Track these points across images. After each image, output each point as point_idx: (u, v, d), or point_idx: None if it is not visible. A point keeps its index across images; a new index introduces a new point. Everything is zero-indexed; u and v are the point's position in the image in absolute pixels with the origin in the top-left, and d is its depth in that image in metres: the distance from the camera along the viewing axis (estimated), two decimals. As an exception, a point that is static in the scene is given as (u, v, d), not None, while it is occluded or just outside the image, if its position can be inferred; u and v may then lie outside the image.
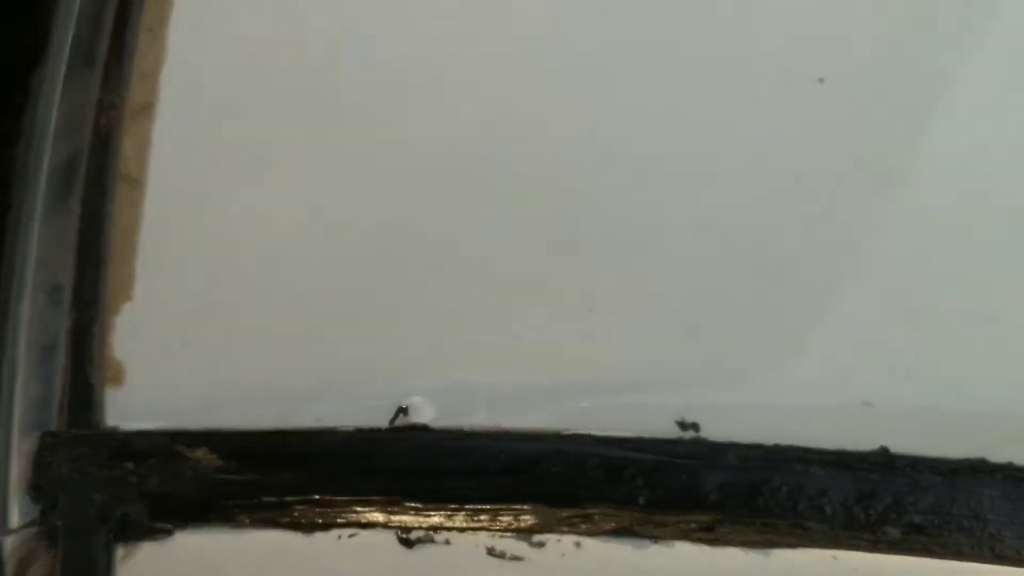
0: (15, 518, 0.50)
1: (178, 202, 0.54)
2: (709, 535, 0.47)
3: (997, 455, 0.49)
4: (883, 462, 0.49)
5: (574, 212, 0.50)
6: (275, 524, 0.49)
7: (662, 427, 0.49)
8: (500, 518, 0.48)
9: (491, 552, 0.47)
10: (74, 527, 0.50)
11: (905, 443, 0.49)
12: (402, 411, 0.50)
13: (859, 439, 0.49)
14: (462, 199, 0.50)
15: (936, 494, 0.48)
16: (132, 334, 0.52)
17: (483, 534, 0.47)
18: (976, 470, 0.49)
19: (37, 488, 0.51)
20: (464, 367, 0.50)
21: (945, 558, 0.47)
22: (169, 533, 0.50)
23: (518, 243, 0.50)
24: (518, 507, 0.48)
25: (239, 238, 0.52)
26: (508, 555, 0.47)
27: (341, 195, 0.51)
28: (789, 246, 0.50)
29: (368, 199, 0.51)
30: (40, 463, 0.51)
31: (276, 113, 0.52)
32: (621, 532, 0.47)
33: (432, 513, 0.48)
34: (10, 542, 0.50)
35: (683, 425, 0.49)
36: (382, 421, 0.50)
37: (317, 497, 0.49)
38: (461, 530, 0.48)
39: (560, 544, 0.47)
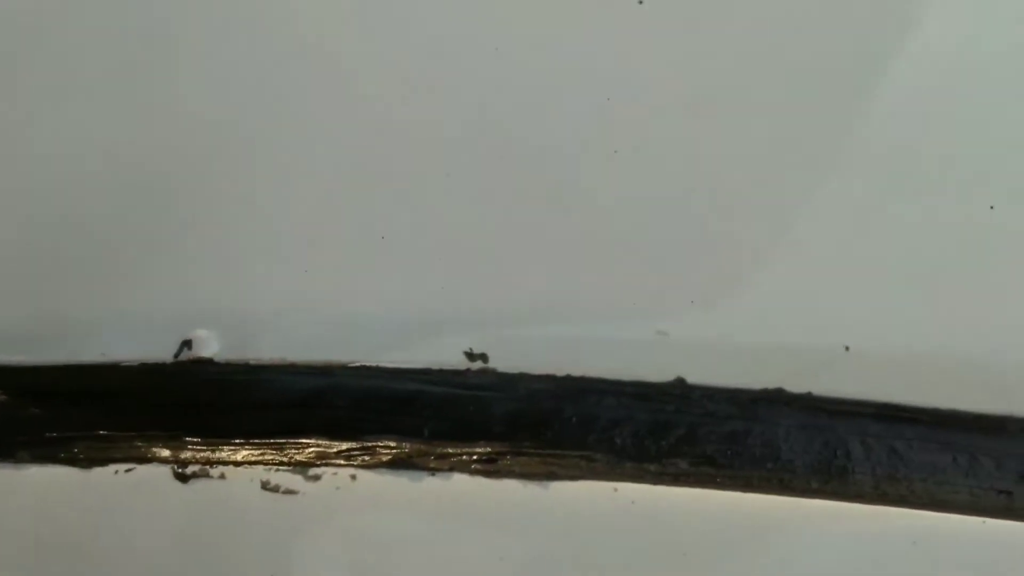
0: None
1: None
2: (490, 467, 0.46)
3: (794, 386, 0.47)
4: (679, 393, 0.47)
5: (365, 141, 0.48)
6: (55, 460, 0.47)
7: (451, 359, 0.47)
8: (279, 452, 0.46)
9: (265, 486, 0.46)
10: None
11: (702, 374, 0.47)
12: (186, 345, 0.48)
13: (655, 371, 0.48)
14: (249, 126, 0.49)
15: (732, 424, 0.47)
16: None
17: (259, 468, 0.46)
18: (773, 400, 0.47)
19: None
20: (251, 299, 0.48)
21: (732, 489, 0.45)
22: (-51, 470, 0.48)
23: (309, 172, 0.48)
24: (298, 441, 0.46)
25: (18, 170, 0.50)
26: (282, 489, 0.46)
27: (117, 122, 0.49)
28: (583, 177, 0.48)
29: (149, 127, 0.49)
30: None
31: (42, 42, 0.50)
32: (398, 464, 0.45)
33: (210, 448, 0.47)
34: None
35: (471, 356, 0.47)
36: (167, 355, 0.48)
37: (100, 433, 0.48)
38: (237, 464, 0.46)
39: (336, 477, 0.46)
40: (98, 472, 0.47)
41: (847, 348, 0.47)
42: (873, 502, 0.46)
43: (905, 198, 0.48)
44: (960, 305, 0.48)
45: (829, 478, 0.46)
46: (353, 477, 0.46)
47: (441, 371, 0.47)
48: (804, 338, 0.48)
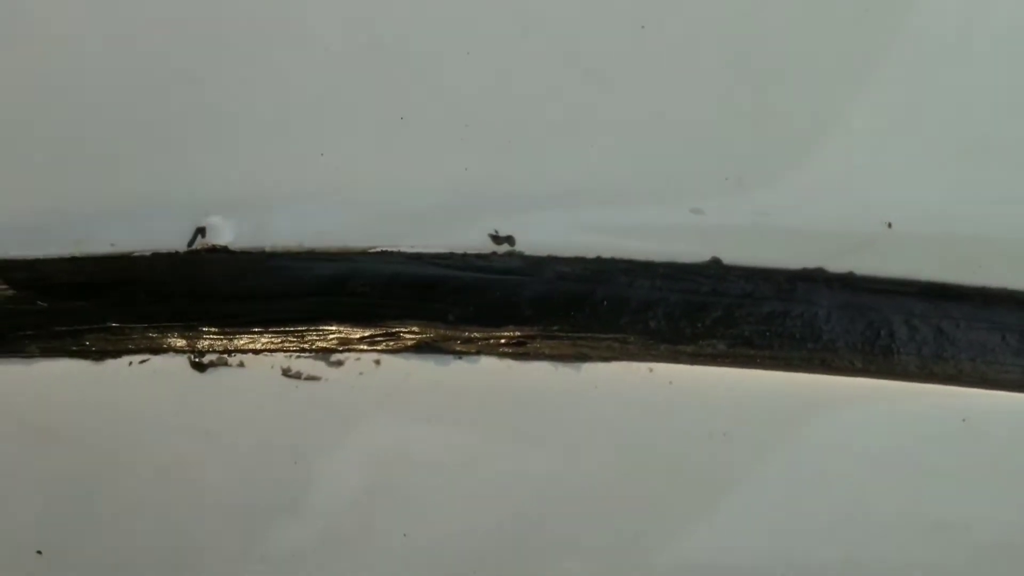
0: None
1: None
2: (519, 349, 0.44)
3: (836, 266, 0.45)
4: (714, 273, 0.45)
5: (378, 23, 0.46)
6: (65, 353, 0.45)
7: (477, 242, 0.45)
8: (299, 339, 0.44)
9: (286, 373, 0.44)
10: None
11: (739, 255, 0.45)
12: (200, 232, 0.46)
13: (690, 252, 0.45)
14: (257, 11, 0.46)
15: (770, 305, 0.45)
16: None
17: (279, 355, 0.44)
18: (813, 280, 0.45)
19: None
20: (265, 184, 0.46)
21: (772, 369, 0.43)
22: (-43, 366, 0.46)
23: (325, 51, 0.46)
24: (318, 328, 0.44)
25: (19, 58, 0.48)
26: (304, 375, 0.44)
27: (129, 10, 0.47)
28: (612, 50, 0.46)
29: (154, 6, 0.47)
30: None
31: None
32: (423, 348, 0.43)
33: (227, 337, 0.45)
34: None
35: (497, 239, 0.45)
36: (180, 244, 0.46)
37: (111, 325, 0.46)
38: (256, 352, 0.44)
39: (359, 363, 0.44)
40: (111, 364, 0.45)
41: (889, 226, 0.45)
42: (920, 381, 0.44)
43: (950, 73, 0.45)
44: (1007, 181, 0.46)
45: (873, 358, 0.44)
46: (377, 362, 0.44)
47: (465, 255, 0.45)
48: (845, 216, 0.45)
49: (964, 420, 0.42)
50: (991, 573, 0.41)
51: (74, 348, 0.46)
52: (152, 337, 0.45)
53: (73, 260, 0.47)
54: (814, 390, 0.43)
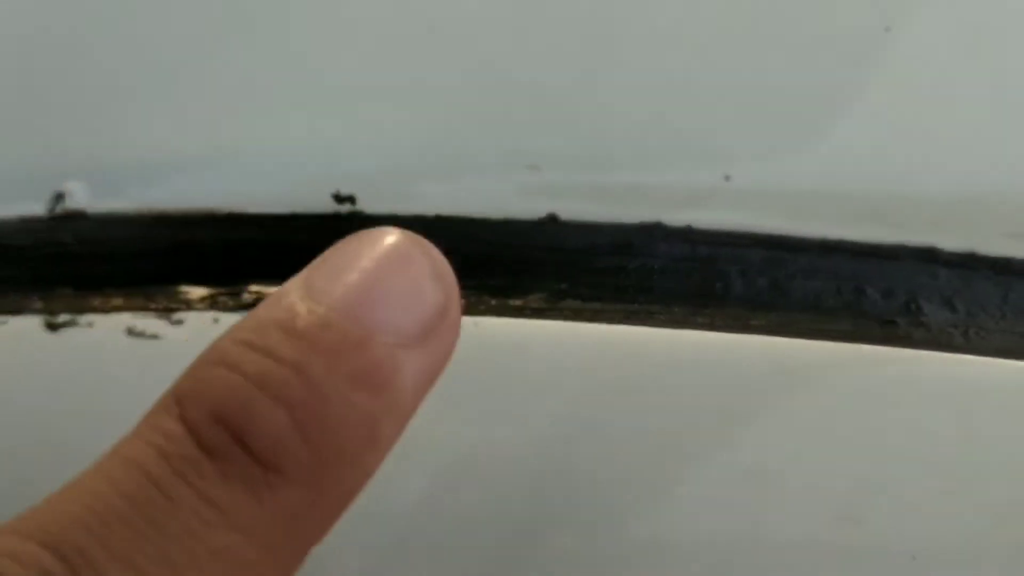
0: None
1: None
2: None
3: (673, 219, 0.45)
4: (551, 230, 0.46)
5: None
6: (-75, 316, 0.47)
7: (320, 203, 0.46)
8: (147, 300, 0.46)
9: (131, 332, 0.46)
10: None
11: (573, 210, 0.46)
12: (59, 198, 0.48)
13: (526, 209, 0.46)
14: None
15: (605, 261, 0.45)
16: None
17: (126, 315, 0.45)
18: (650, 233, 0.45)
19: None
20: (121, 149, 0.48)
21: (593, 320, 0.44)
22: None
23: (180, 17, 0.47)
24: (164, 288, 0.46)
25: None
26: (147, 333, 0.45)
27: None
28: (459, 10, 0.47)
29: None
30: None
31: None
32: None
33: (81, 297, 0.46)
34: None
35: (339, 198, 0.46)
36: (41, 209, 0.48)
37: (-29, 289, 0.48)
38: (106, 311, 0.46)
39: (199, 321, 0.45)
40: (-31, 326, 0.47)
41: (727, 179, 0.45)
42: (751, 333, 0.44)
43: (786, 17, 0.45)
44: (846, 133, 0.46)
45: (706, 309, 0.44)
46: (216, 320, 0.45)
47: (305, 215, 0.46)
48: (682, 170, 0.46)
49: (786, 370, 0.42)
50: (799, 526, 0.42)
51: (-67, 312, 0.48)
52: (13, 300, 0.47)
53: (-65, 225, 0.48)
54: (645, 344, 0.43)
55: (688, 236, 0.45)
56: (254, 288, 0.46)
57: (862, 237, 0.45)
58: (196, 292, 0.46)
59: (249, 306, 0.46)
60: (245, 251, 0.47)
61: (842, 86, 0.45)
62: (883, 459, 0.41)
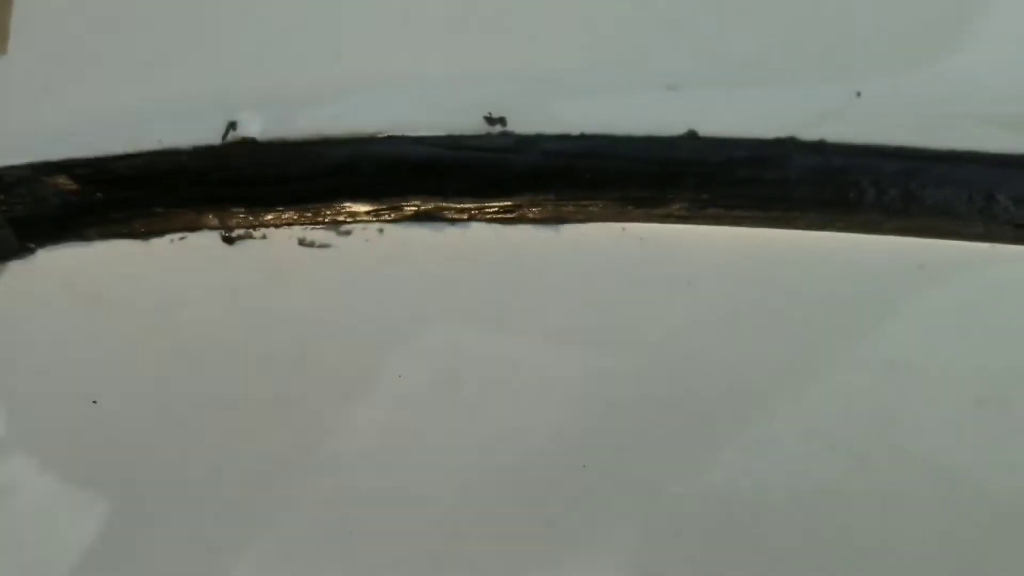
0: (-99, 246, 0.55)
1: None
2: (507, 216, 0.48)
3: (807, 133, 0.48)
4: (691, 145, 0.49)
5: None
6: (119, 235, 0.52)
7: (473, 124, 0.50)
8: (314, 215, 0.50)
9: (302, 242, 0.50)
10: (-48, 252, 0.55)
11: (714, 127, 0.49)
12: (232, 127, 0.52)
13: (667, 125, 0.49)
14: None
15: (743, 172, 0.48)
16: (4, 84, 0.56)
17: (297, 229, 0.50)
18: (785, 147, 0.48)
19: (-78, 220, 0.55)
20: (286, 81, 0.52)
21: (736, 225, 0.47)
22: (32, 251, 0.54)
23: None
24: (330, 204, 0.50)
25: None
26: (317, 244, 0.49)
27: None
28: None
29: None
30: (-78, 199, 0.56)
31: None
32: (422, 217, 0.48)
33: (253, 215, 0.51)
34: None
35: (491, 120, 0.50)
36: (215, 138, 0.52)
37: (156, 210, 0.52)
38: (277, 226, 0.50)
39: (365, 232, 0.49)
40: (156, 242, 0.52)
41: (859, 95, 0.48)
42: (884, 233, 0.46)
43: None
44: (977, 47, 0.48)
45: (841, 215, 0.47)
46: (380, 231, 0.49)
47: (461, 136, 0.49)
48: (813, 84, 0.48)
49: (921, 266, 0.45)
50: (938, 413, 0.44)
51: (125, 231, 0.52)
52: (190, 218, 0.52)
53: (126, 156, 0.53)
54: (777, 243, 0.46)
55: (821, 149, 0.48)
56: (414, 202, 0.50)
57: (993, 148, 0.47)
58: (360, 207, 0.50)
59: (410, 218, 0.49)
60: (404, 170, 0.50)
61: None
62: (1019, 347, 0.43)
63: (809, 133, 0.48)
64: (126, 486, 0.50)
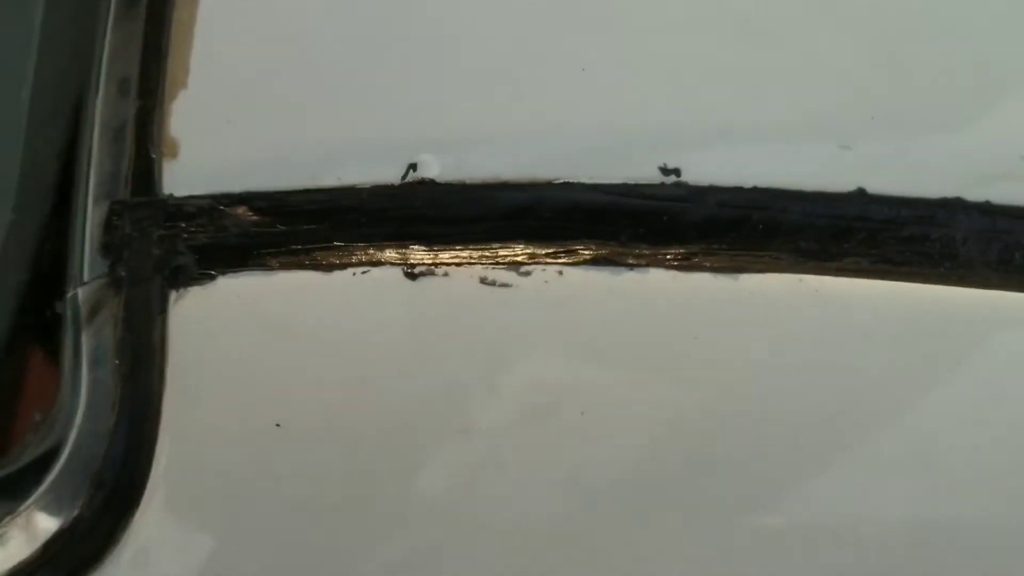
0: (87, 272, 0.58)
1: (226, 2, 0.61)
2: (684, 263, 0.51)
3: (973, 195, 0.50)
4: (859, 201, 0.51)
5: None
6: (300, 266, 0.55)
7: (648, 175, 0.52)
8: (494, 255, 0.52)
9: (483, 281, 0.52)
10: (135, 276, 0.58)
11: (882, 185, 0.51)
12: (412, 168, 0.55)
13: (837, 182, 0.52)
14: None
15: (910, 230, 0.50)
16: (186, 116, 0.59)
17: (478, 267, 0.52)
18: (952, 207, 0.50)
19: (106, 247, 0.59)
20: (467, 125, 0.54)
21: (907, 280, 0.49)
22: (212, 278, 0.56)
23: (512, 6, 0.54)
24: (509, 245, 0.52)
25: (274, 26, 0.58)
26: (498, 283, 0.52)
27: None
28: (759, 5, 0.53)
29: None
30: (109, 226, 0.59)
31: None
32: (600, 261, 0.51)
33: (433, 252, 0.53)
34: (84, 292, 0.58)
35: (665, 170, 0.52)
36: (395, 178, 0.55)
37: (336, 244, 0.55)
38: (459, 264, 0.52)
39: (544, 273, 0.52)
40: (338, 274, 0.54)
41: (1025, 158, 0.50)
42: (1051, 297, 0.48)
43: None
44: None
45: (1007, 276, 0.49)
46: (560, 273, 0.51)
47: (636, 185, 0.52)
48: (982, 151, 0.50)
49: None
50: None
51: (307, 262, 0.55)
52: (371, 253, 0.54)
53: (307, 192, 0.56)
54: (949, 302, 0.48)
55: (987, 210, 0.50)
56: (590, 246, 0.52)
57: None
58: (539, 248, 0.53)
59: (587, 262, 0.52)
60: (579, 216, 0.53)
61: None
62: None
63: (975, 194, 0.50)
64: (310, 513, 0.52)
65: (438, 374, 0.52)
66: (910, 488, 0.48)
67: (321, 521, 0.52)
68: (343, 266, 0.55)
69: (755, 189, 0.51)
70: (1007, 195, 0.50)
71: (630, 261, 0.51)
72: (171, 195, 0.58)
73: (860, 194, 0.50)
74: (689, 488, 0.49)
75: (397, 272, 0.54)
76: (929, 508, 0.48)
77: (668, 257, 0.51)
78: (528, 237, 0.53)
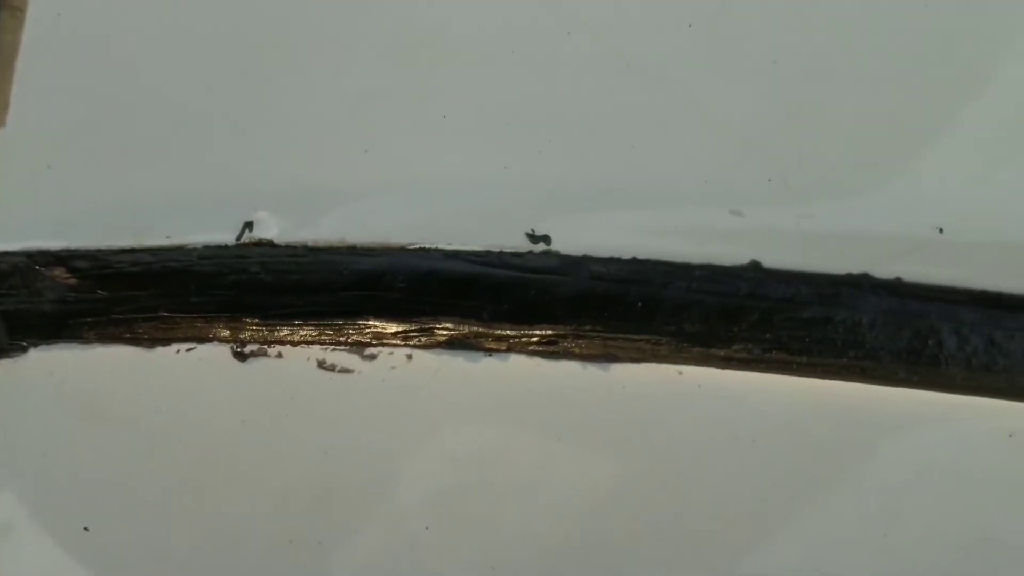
0: None
1: (53, 31, 0.53)
2: (550, 348, 0.44)
3: (882, 271, 0.44)
4: (753, 277, 0.44)
5: (421, 24, 0.47)
6: (120, 340, 0.47)
7: (513, 241, 0.45)
8: (336, 332, 0.45)
9: (321, 365, 0.45)
10: (-64, 345, 0.50)
11: (779, 259, 0.44)
12: (248, 226, 0.47)
13: (729, 254, 0.45)
14: (307, 12, 0.48)
15: (811, 311, 0.44)
16: (2, 159, 0.52)
17: (316, 348, 0.45)
18: (858, 286, 0.44)
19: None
20: (310, 181, 0.47)
21: (804, 374, 0.42)
22: (24, 350, 0.49)
23: (365, 55, 0.47)
24: (355, 322, 0.45)
25: (103, 67, 0.50)
26: (338, 368, 0.45)
27: (177, 8, 0.49)
28: (656, 48, 0.46)
29: (209, 15, 0.49)
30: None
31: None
32: (455, 344, 0.44)
33: (269, 328, 0.46)
34: None
35: (533, 237, 0.45)
36: (229, 237, 0.48)
37: (163, 314, 0.48)
38: (294, 343, 0.45)
39: (391, 357, 0.44)
40: (160, 351, 0.47)
41: (941, 231, 0.43)
42: (966, 393, 0.42)
43: (1005, 75, 0.44)
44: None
45: (918, 368, 0.42)
46: (409, 357, 0.44)
47: (501, 253, 0.45)
48: (893, 221, 0.44)
49: (1011, 436, 0.40)
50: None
51: (128, 336, 0.48)
52: (199, 327, 0.47)
53: (131, 251, 0.49)
54: (852, 398, 0.41)
55: (898, 289, 0.43)
56: (447, 325, 0.45)
57: (1084, 296, 0.42)
58: (388, 327, 0.46)
59: (442, 344, 0.45)
60: (436, 286, 0.46)
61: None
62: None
63: (885, 271, 0.44)
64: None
65: (267, 475, 0.45)
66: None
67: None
68: (167, 341, 0.47)
69: (634, 260, 0.44)
70: (920, 272, 0.43)
71: (490, 344, 0.44)
72: (-20, 249, 0.51)
73: (753, 268, 0.44)
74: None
75: (226, 351, 0.46)
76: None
77: (534, 340, 0.44)
78: (377, 312, 0.46)
